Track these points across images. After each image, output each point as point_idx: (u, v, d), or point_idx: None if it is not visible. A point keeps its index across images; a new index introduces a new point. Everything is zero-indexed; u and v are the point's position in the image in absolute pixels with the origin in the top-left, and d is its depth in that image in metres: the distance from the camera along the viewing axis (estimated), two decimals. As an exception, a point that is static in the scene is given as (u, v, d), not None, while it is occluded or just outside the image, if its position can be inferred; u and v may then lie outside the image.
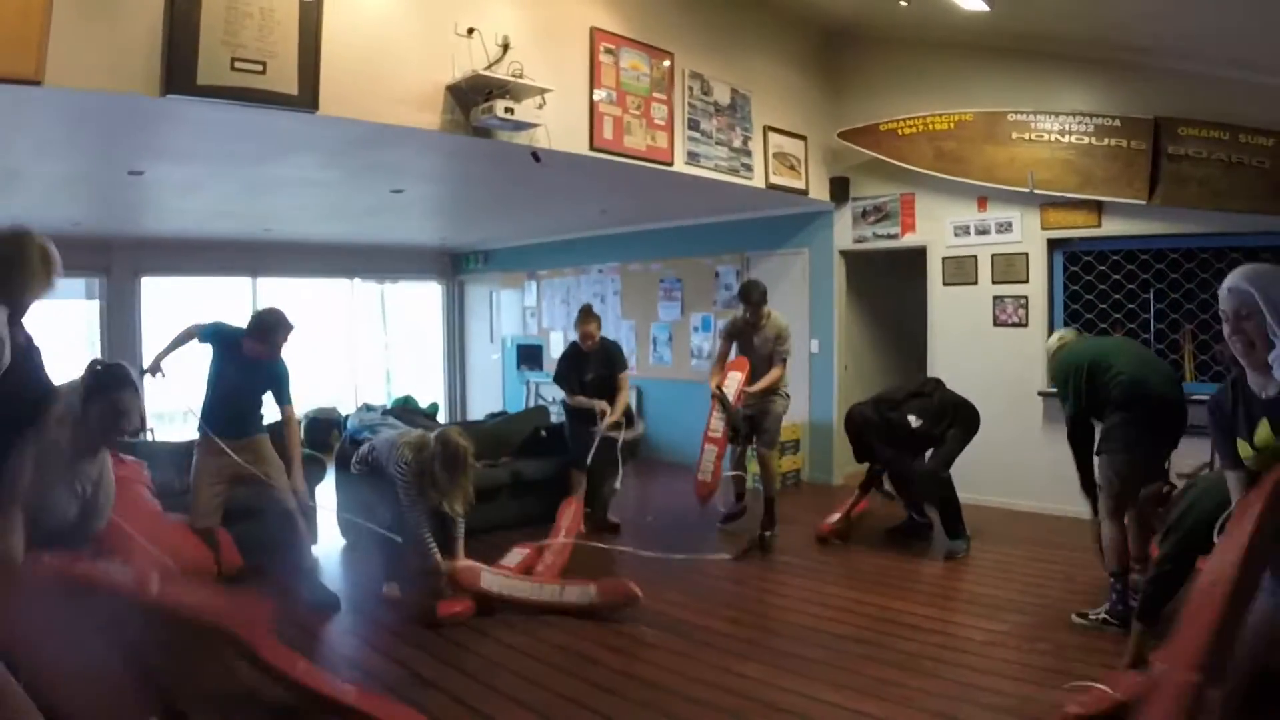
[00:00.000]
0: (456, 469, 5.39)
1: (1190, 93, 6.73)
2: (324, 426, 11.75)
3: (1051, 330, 7.62)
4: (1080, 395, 4.93)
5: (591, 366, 7.25)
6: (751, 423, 7.20)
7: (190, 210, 8.92)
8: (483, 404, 13.64)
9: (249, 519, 5.67)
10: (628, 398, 7.41)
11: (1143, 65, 6.99)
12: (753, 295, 7.00)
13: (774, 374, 6.98)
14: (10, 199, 7.51)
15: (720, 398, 6.95)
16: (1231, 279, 2.56)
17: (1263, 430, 2.51)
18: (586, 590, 5.39)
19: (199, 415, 5.40)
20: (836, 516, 7.03)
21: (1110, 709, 3.53)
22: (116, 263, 10.65)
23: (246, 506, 5.60)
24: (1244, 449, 2.59)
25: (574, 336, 7.44)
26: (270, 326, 5.39)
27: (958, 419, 6.60)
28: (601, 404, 7.10)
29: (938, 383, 6.92)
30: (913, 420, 6.54)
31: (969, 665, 4.43)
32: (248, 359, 5.39)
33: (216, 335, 5.43)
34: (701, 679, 4.33)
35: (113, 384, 3.42)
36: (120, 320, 10.69)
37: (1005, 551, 6.50)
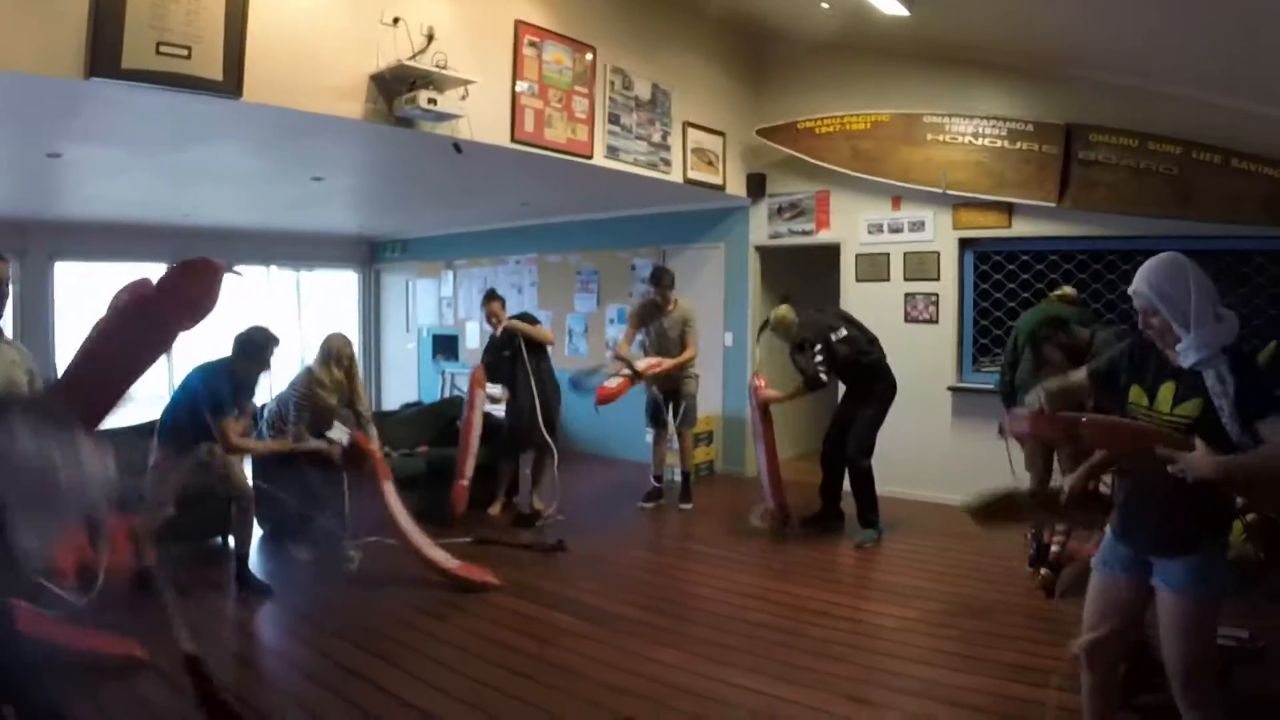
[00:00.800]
0: (340, 363, 6.45)
1: (1102, 100, 6.95)
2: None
3: (961, 327, 7.84)
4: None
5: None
6: (671, 401, 7.69)
7: (109, 195, 8.70)
8: (398, 394, 13.47)
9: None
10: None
11: (1056, 73, 7.19)
12: (664, 279, 7.61)
13: (688, 352, 7.53)
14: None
15: (625, 359, 7.41)
16: (1135, 282, 2.77)
17: (1166, 390, 2.73)
18: (451, 559, 5.68)
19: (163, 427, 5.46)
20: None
21: None
22: (31, 246, 10.28)
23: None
24: (1139, 395, 2.81)
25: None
26: (260, 345, 5.52)
27: (875, 391, 6.76)
28: (495, 389, 7.33)
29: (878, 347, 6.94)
30: (819, 361, 6.62)
31: (880, 650, 4.54)
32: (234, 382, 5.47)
33: (215, 380, 5.43)
34: (619, 665, 4.38)
35: None
36: (34, 306, 10.32)
37: (916, 541, 6.64)
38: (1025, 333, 5.60)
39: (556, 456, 7.44)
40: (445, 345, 12.72)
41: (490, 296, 7.71)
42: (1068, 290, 6.10)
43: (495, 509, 7.53)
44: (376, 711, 3.87)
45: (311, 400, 6.31)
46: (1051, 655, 4.29)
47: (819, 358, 6.53)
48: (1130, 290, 2.79)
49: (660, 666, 4.36)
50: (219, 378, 5.41)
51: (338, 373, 6.46)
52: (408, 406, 9.24)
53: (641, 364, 7.40)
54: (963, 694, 3.96)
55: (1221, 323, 2.63)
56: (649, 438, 8.21)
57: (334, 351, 6.53)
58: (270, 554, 6.55)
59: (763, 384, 7.10)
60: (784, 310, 6.81)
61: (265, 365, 5.59)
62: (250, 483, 5.93)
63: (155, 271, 5.45)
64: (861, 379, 6.80)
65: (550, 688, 4.12)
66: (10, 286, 3.36)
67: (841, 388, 7.11)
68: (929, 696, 3.96)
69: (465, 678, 4.22)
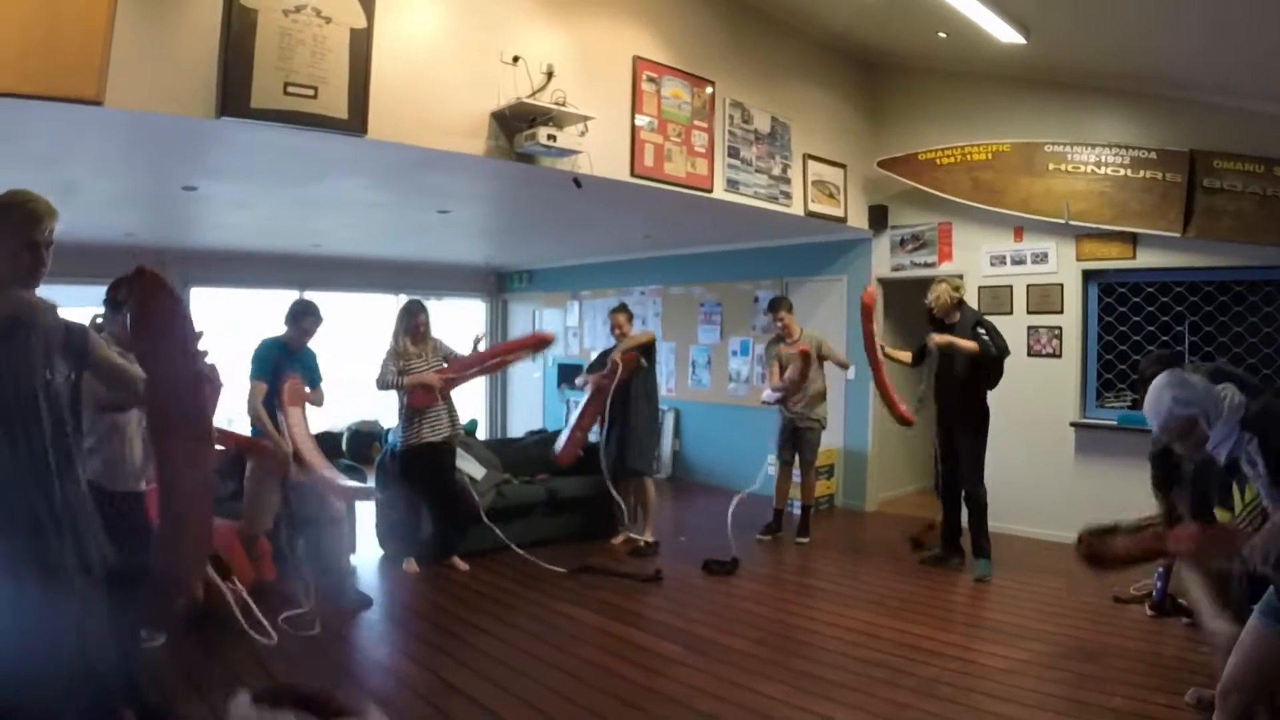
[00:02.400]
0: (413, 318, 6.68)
1: (1225, 126, 6.75)
2: (365, 439, 11.84)
3: (1085, 361, 7.68)
4: None
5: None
6: (796, 433, 7.75)
7: (241, 225, 9.14)
8: (523, 422, 13.77)
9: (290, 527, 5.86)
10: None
11: (1178, 98, 7.02)
12: (777, 305, 7.92)
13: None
14: (68, 211, 7.65)
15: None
16: (1161, 416, 2.83)
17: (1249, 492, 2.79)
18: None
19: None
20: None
21: None
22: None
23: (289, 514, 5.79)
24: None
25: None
26: (299, 312, 5.83)
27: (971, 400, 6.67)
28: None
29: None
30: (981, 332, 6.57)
31: (986, 692, 4.47)
32: (288, 360, 5.69)
33: (269, 359, 5.69)
34: (722, 696, 4.41)
35: None
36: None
37: (1032, 581, 6.50)
38: None
39: (652, 483, 7.58)
40: (570, 374, 12.87)
41: (618, 309, 7.70)
42: None
43: (618, 540, 7.64)
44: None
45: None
46: (1162, 703, 4.20)
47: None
48: (1159, 427, 2.84)
49: (764, 699, 4.37)
50: (265, 346, 5.72)
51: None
52: (532, 434, 9.44)
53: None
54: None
55: (1225, 402, 2.65)
56: (771, 469, 8.18)
57: (413, 308, 6.81)
58: (382, 569, 6.84)
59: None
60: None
61: (307, 333, 5.82)
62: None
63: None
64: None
65: (651, 715, 4.19)
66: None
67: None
68: (1033, 740, 3.89)
69: (573, 704, 4.31)
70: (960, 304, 6.74)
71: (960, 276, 7.51)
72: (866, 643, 5.24)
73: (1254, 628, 2.84)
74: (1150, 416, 2.79)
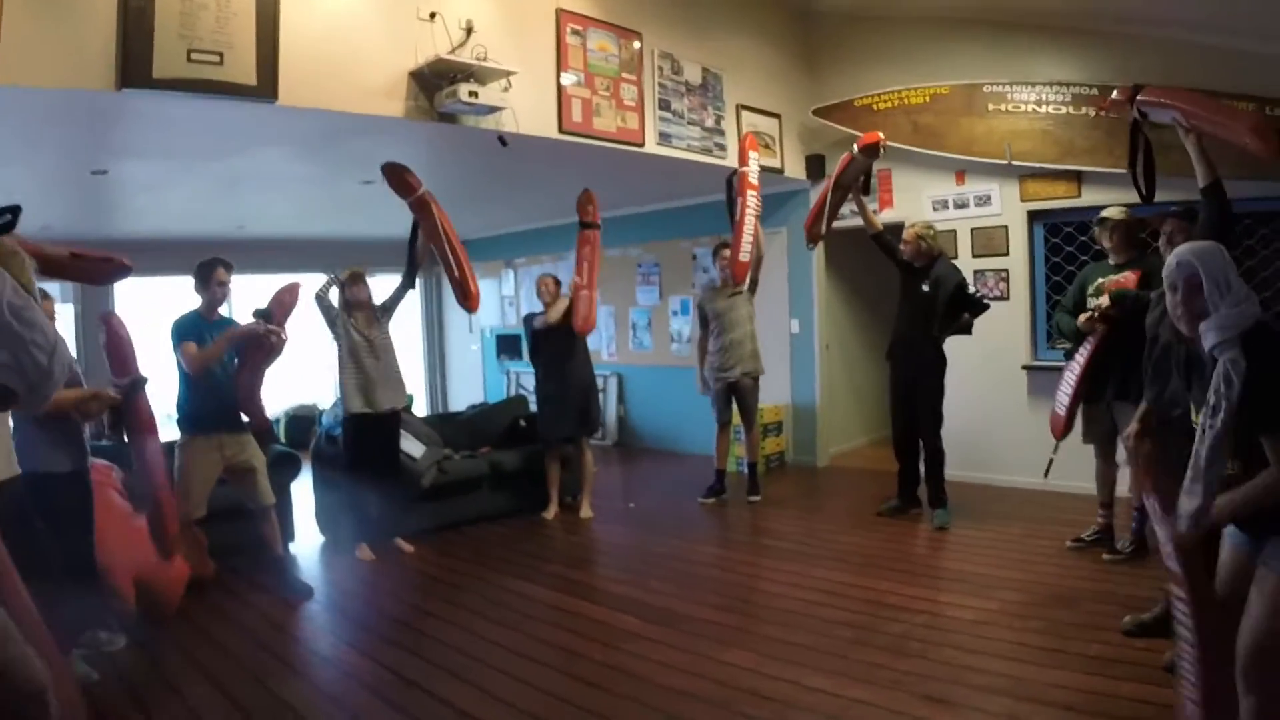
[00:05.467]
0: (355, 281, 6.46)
1: (1170, 59, 6.59)
2: (303, 424, 11.57)
3: (1034, 303, 7.59)
4: None
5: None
6: (734, 393, 7.63)
7: (160, 210, 8.78)
8: (464, 396, 13.50)
9: (227, 519, 5.59)
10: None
11: (1120, 34, 6.87)
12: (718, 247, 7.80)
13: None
14: (-26, 206, 7.33)
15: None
16: (1178, 254, 2.68)
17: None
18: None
19: (181, 414, 5.40)
20: None
21: None
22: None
23: (224, 507, 5.53)
24: None
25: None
26: (203, 268, 5.53)
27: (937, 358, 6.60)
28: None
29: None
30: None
31: (959, 645, 4.33)
32: (209, 330, 5.42)
33: (192, 330, 5.39)
34: (687, 669, 4.23)
35: None
36: (95, 323, 10.41)
37: (993, 528, 6.41)
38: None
39: (589, 449, 7.46)
40: (509, 345, 12.66)
41: (547, 276, 7.55)
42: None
43: (550, 513, 7.41)
44: (438, 726, 3.76)
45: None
46: (1143, 647, 4.09)
47: None
48: (1171, 264, 2.68)
49: (730, 669, 4.20)
50: (181, 320, 5.48)
51: None
52: (473, 408, 9.19)
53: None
54: (1048, 690, 3.74)
55: (1243, 306, 2.51)
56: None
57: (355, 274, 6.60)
58: (326, 559, 6.57)
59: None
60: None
61: (222, 286, 5.52)
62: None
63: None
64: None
65: (621, 697, 3.97)
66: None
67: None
68: (1012, 695, 3.74)
69: (534, 689, 4.08)
70: (940, 255, 6.66)
71: (914, 227, 7.35)
72: (831, 602, 5.08)
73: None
74: (1201, 252, 2.63)
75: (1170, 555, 2.70)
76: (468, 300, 6.61)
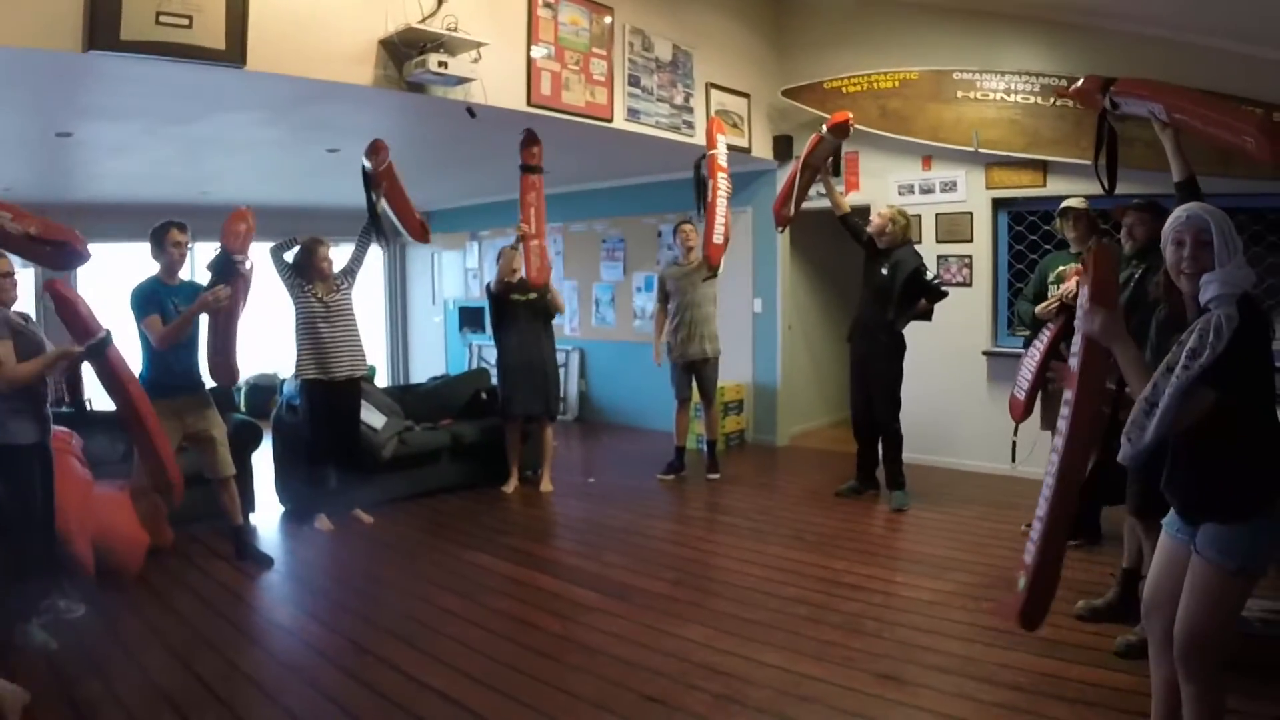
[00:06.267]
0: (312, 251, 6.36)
1: (1138, 53, 6.60)
2: (264, 393, 11.48)
3: (996, 289, 7.64)
4: None
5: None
6: (695, 372, 7.63)
7: (124, 173, 8.63)
8: (426, 367, 13.42)
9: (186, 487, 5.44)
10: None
11: (1090, 26, 6.91)
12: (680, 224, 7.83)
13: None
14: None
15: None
16: (1190, 208, 2.68)
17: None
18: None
19: (142, 379, 5.20)
20: None
21: None
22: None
23: (184, 475, 5.38)
24: None
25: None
26: (157, 232, 5.38)
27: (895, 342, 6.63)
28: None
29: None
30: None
31: (913, 625, 4.38)
32: (171, 296, 5.32)
33: (153, 298, 5.29)
34: (643, 642, 4.25)
35: None
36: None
37: (950, 511, 6.48)
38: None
39: (551, 425, 7.49)
40: (472, 317, 12.58)
41: (512, 247, 7.44)
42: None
43: (510, 486, 7.40)
44: (393, 694, 3.74)
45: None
46: (1094, 631, 4.16)
47: None
48: (1180, 218, 2.67)
49: (685, 644, 4.22)
50: (141, 287, 5.35)
51: None
52: (435, 380, 9.15)
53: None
54: (999, 671, 3.79)
55: (1245, 269, 2.54)
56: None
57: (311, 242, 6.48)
58: (286, 529, 6.52)
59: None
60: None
61: (178, 247, 5.38)
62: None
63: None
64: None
65: (573, 668, 3.99)
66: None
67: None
68: (962, 674, 3.80)
69: (486, 658, 4.09)
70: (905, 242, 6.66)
71: (890, 208, 7.36)
72: (787, 579, 5.12)
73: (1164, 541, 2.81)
74: (1213, 211, 2.65)
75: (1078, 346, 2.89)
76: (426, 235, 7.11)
